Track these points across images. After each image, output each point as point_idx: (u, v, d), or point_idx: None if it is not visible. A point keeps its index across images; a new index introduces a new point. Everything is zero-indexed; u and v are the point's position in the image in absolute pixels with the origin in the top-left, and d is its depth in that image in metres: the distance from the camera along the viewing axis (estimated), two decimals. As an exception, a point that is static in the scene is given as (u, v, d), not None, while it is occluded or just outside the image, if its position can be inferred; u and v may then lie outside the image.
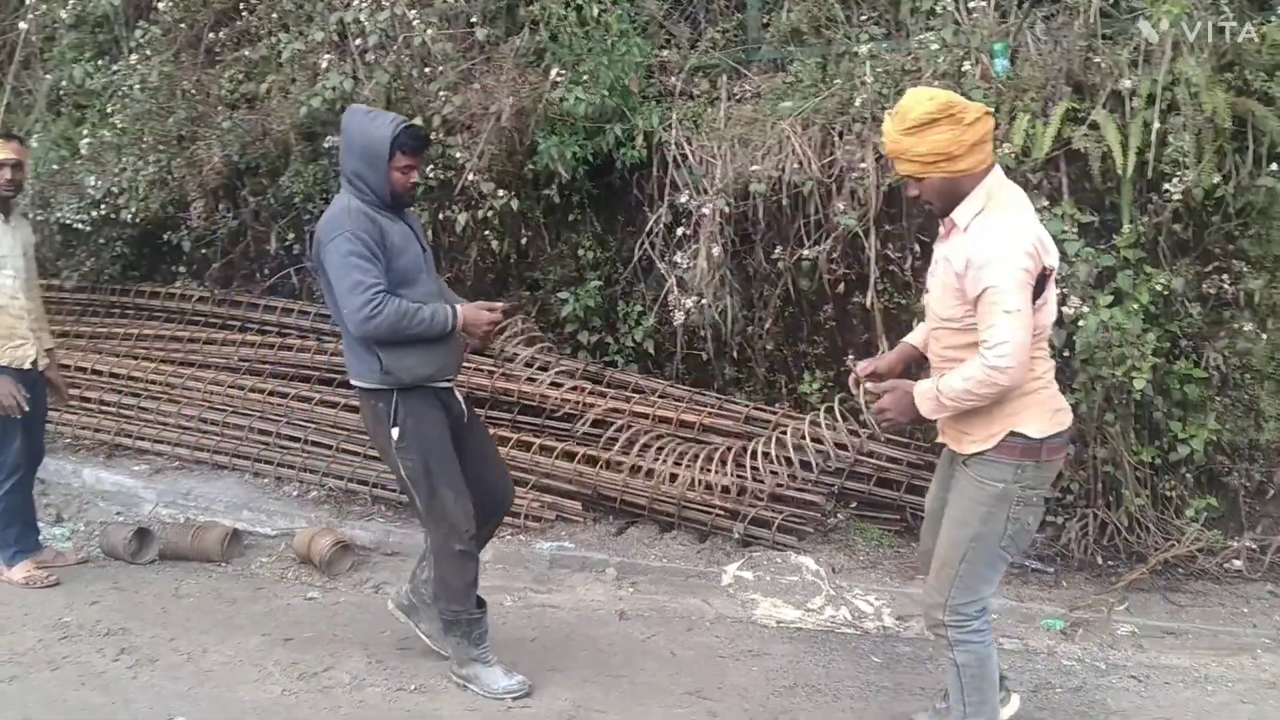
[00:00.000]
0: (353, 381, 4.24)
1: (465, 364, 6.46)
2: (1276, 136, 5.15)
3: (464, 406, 4.38)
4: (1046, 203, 5.44)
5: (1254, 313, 5.42)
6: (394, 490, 6.20)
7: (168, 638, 4.79)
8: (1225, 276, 5.39)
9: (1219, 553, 5.42)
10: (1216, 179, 5.21)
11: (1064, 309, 5.26)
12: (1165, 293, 5.35)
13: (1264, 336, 5.44)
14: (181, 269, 7.99)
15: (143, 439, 7.02)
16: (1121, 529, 5.51)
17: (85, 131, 7.68)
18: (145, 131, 7.37)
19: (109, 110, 7.53)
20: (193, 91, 7.46)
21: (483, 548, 4.50)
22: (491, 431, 6.26)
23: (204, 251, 7.73)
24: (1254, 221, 5.37)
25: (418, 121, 6.17)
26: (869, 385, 3.68)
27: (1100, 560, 5.45)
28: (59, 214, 7.52)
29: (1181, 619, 5.03)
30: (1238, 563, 5.41)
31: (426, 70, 6.58)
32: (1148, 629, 4.95)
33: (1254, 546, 5.43)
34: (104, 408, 7.25)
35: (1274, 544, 5.42)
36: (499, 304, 4.27)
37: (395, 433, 4.11)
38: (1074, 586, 5.32)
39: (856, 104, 5.78)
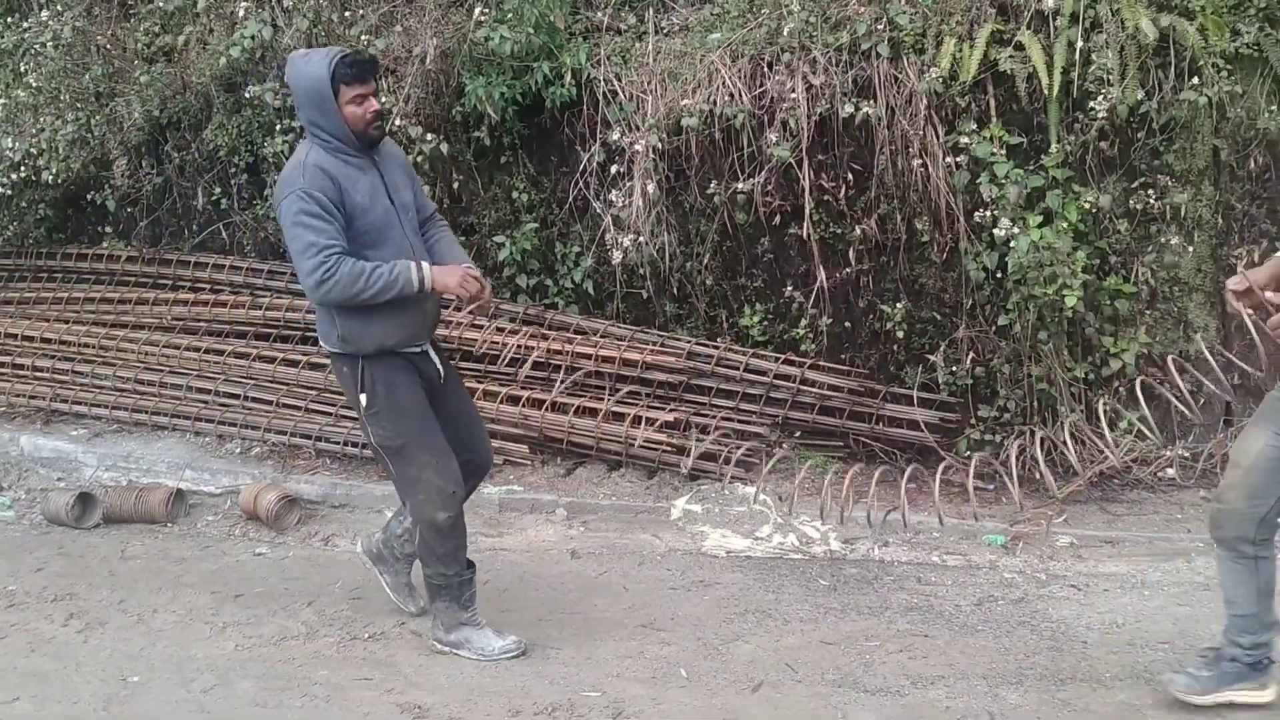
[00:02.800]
0: (321, 344, 4.10)
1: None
2: (1198, 51, 5.21)
3: (441, 367, 4.12)
4: (975, 126, 5.48)
5: (1180, 226, 5.52)
6: (338, 443, 6.18)
7: (117, 600, 4.76)
8: (1151, 192, 5.47)
9: (1152, 462, 5.57)
10: (1140, 95, 5.28)
11: (995, 231, 5.33)
12: (1094, 210, 5.43)
13: (1190, 249, 5.55)
14: (108, 229, 7.81)
15: (79, 403, 6.91)
16: (1058, 444, 5.62)
17: (-1, 92, 7.47)
18: (62, 90, 7.17)
19: (22, 70, 7.31)
20: (108, 46, 7.25)
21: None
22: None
23: (130, 210, 7.57)
24: (1178, 136, 5.45)
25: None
26: (1270, 296, 3.31)
27: (1038, 475, 5.57)
28: (-23, 179, 7.33)
29: (1118, 528, 5.17)
30: (1171, 471, 5.56)
31: (347, 14, 6.44)
32: (1086, 539, 5.08)
33: (1186, 455, 5.59)
34: (38, 373, 7.12)
35: (1205, 451, 5.56)
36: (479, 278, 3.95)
37: (364, 399, 3.91)
38: (1013, 502, 5.43)
39: (785, 33, 5.76)
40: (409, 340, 3.93)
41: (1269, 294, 3.35)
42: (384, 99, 6.26)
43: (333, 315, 3.84)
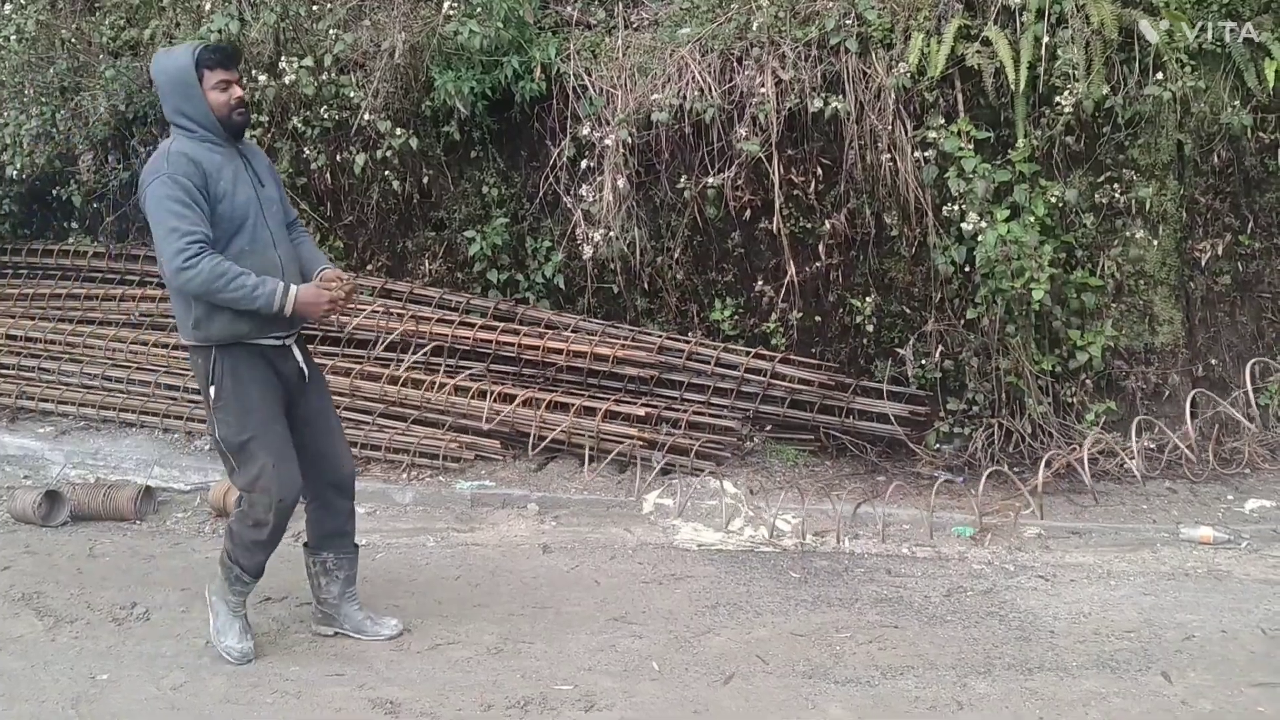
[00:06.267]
0: (179, 336, 4.04)
1: (367, 308, 6.42)
2: (1161, 46, 5.27)
3: (304, 366, 4.05)
4: (943, 121, 5.52)
5: (1145, 220, 5.58)
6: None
7: (85, 598, 4.71)
8: (1117, 186, 5.54)
9: (1119, 454, 5.62)
10: (1105, 90, 5.33)
11: (963, 225, 5.37)
12: (1060, 204, 5.49)
13: (1155, 243, 5.62)
14: (74, 224, 7.75)
15: (46, 400, 6.84)
16: (1026, 436, 5.69)
17: (-39, 87, 7.37)
18: (25, 84, 7.10)
19: (-15, 63, 7.24)
20: (73, 40, 7.19)
21: (333, 535, 4.26)
22: (404, 374, 6.25)
23: (96, 205, 7.50)
24: (1143, 131, 5.52)
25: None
26: None
27: (1007, 468, 5.62)
28: (-61, 174, 7.24)
29: (1085, 519, 5.23)
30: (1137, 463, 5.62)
31: (315, 8, 6.41)
32: (1053, 530, 5.13)
33: (1152, 446, 5.65)
34: (3, 370, 7.04)
35: (1170, 443, 5.62)
36: (345, 279, 3.94)
37: (212, 391, 3.86)
38: (982, 494, 5.48)
39: (754, 28, 5.78)
40: (261, 329, 3.85)
41: None
42: (353, 94, 6.25)
43: (189, 302, 3.79)
